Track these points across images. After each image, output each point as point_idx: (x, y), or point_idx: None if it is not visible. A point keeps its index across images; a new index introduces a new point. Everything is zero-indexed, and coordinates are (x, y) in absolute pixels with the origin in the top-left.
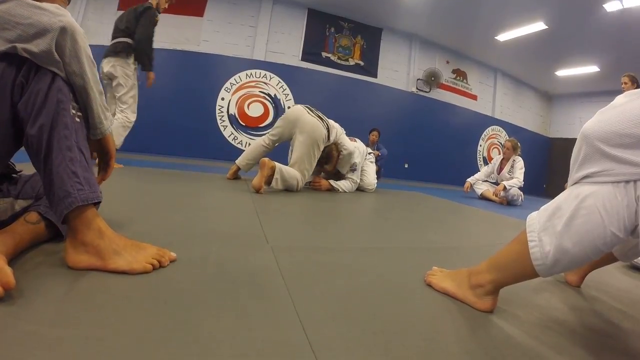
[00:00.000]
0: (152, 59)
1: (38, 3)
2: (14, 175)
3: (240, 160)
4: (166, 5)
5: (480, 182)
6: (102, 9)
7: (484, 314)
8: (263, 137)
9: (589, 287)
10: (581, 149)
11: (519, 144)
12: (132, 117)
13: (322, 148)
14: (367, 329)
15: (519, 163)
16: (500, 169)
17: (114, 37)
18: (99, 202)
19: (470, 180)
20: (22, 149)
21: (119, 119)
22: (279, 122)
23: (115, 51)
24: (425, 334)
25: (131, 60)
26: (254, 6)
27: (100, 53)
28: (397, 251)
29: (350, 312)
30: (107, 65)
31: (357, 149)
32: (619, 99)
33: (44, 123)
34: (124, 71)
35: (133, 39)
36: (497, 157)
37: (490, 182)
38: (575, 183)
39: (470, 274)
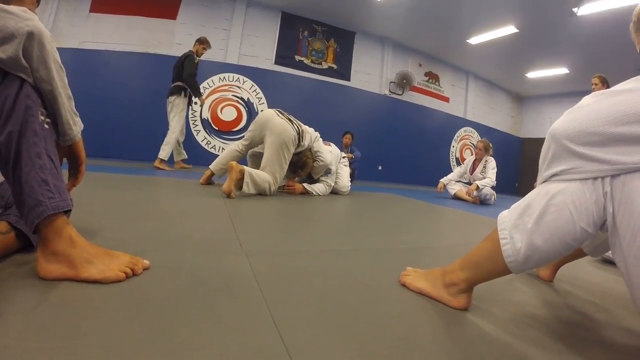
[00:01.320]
0: (198, 89)
1: (5, 6)
2: None
3: (213, 165)
4: (204, 52)
5: (454, 182)
6: (73, 12)
7: (459, 312)
8: (237, 142)
9: (562, 281)
10: (550, 148)
11: (490, 144)
12: (174, 135)
13: (292, 150)
14: (343, 331)
15: (491, 163)
16: (473, 169)
17: (173, 81)
18: (70, 210)
19: (443, 180)
20: None
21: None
22: (250, 127)
23: (173, 92)
24: (401, 333)
25: (181, 97)
26: (227, 9)
27: (72, 56)
28: (371, 253)
29: (325, 315)
30: (170, 99)
31: (332, 154)
32: (586, 99)
33: (12, 130)
34: (177, 104)
35: (182, 81)
36: (469, 158)
37: (463, 182)
38: (545, 181)
39: (444, 273)
